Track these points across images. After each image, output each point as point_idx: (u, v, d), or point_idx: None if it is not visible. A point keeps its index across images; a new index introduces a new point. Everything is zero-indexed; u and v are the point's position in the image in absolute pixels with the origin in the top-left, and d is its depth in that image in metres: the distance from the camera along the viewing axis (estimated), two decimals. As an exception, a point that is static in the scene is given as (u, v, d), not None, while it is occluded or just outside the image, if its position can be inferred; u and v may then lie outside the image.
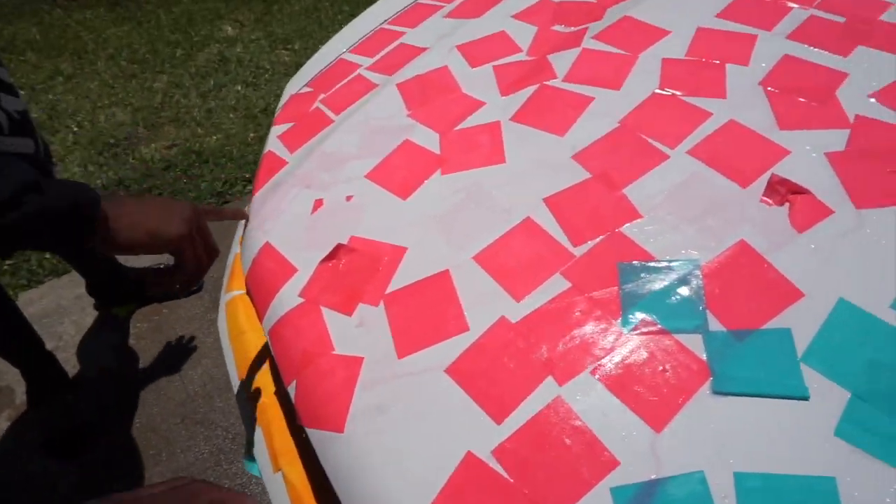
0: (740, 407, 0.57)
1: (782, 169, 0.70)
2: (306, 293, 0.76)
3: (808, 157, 0.71)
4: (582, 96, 0.84)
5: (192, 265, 0.69)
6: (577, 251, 0.69)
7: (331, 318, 0.73)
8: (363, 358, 0.68)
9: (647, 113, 0.80)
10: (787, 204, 0.67)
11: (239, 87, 3.17)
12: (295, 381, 0.71)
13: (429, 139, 0.87)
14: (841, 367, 0.58)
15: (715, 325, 0.62)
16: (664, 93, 0.82)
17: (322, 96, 1.03)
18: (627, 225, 0.70)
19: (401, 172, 0.84)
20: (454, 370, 0.65)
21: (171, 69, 3.41)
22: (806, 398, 0.56)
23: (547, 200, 0.75)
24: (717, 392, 0.58)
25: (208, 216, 0.73)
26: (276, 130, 1.02)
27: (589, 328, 0.64)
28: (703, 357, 0.60)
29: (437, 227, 0.76)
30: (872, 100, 0.75)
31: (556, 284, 0.68)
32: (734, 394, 0.57)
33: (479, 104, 0.89)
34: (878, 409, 0.55)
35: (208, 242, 0.72)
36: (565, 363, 0.62)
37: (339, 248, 0.77)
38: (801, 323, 0.60)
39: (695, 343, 0.61)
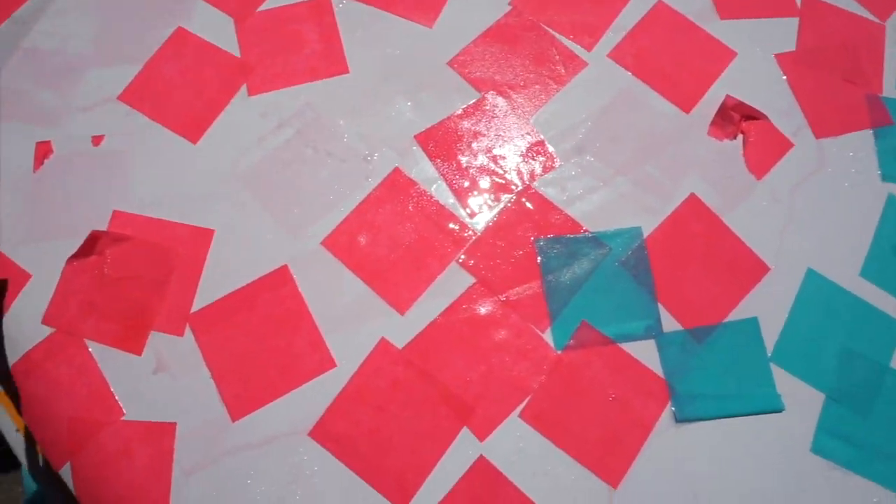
0: (707, 432, 0.45)
1: (729, 78, 0.52)
2: (54, 316, 0.47)
3: (756, 60, 0.53)
4: (450, -45, 0.56)
5: None
6: (476, 222, 0.48)
7: (106, 358, 0.46)
8: (175, 424, 0.44)
9: (546, -14, 0.55)
10: (740, 136, 0.51)
11: None
12: (69, 466, 0.45)
13: (216, 27, 0.54)
14: (814, 362, 0.47)
15: (670, 323, 0.47)
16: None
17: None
18: (541, 179, 0.49)
19: (179, 91, 0.52)
20: (322, 432, 0.43)
21: None
22: (781, 411, 0.45)
23: (420, 138, 0.50)
24: (680, 421, 0.44)
25: None
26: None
27: (509, 349, 0.45)
28: (660, 372, 0.45)
29: (257, 190, 0.49)
30: (818, -29, 0.58)
31: (454, 281, 0.47)
32: (701, 419, 0.45)
33: (292, -36, 0.57)
34: (851, 410, 0.46)
35: None
36: (484, 406, 0.44)
37: (95, 235, 0.47)
38: (768, 306, 0.48)
39: (647, 352, 0.46)
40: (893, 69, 0.55)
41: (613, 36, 0.53)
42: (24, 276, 0.48)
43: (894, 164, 0.52)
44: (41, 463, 0.53)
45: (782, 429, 0.45)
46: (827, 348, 0.47)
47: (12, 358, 0.46)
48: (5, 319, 0.47)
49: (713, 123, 0.51)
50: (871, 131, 0.52)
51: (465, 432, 0.44)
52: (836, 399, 0.46)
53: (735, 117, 0.50)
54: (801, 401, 0.46)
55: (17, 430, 0.54)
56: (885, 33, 0.56)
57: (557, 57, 0.52)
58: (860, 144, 0.52)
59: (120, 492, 0.44)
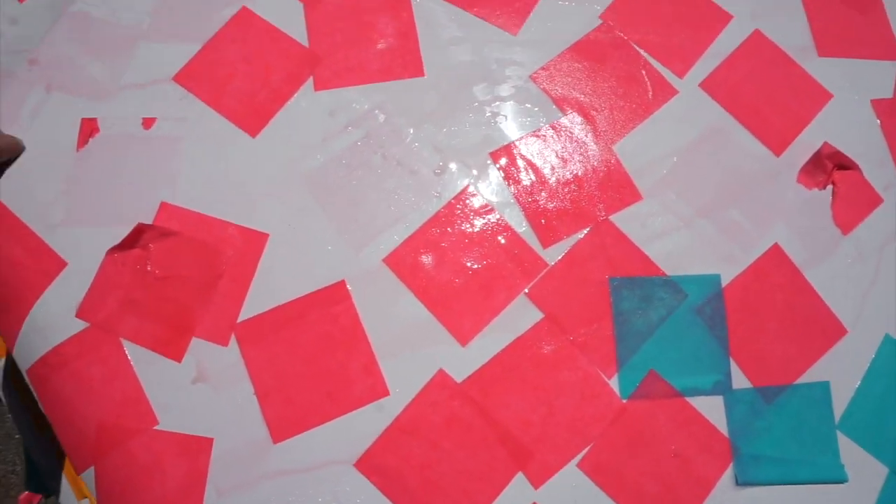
0: (766, 497, 0.43)
1: (823, 122, 0.49)
2: (90, 310, 0.43)
3: (853, 105, 0.50)
4: (540, -41, 0.52)
5: None
6: (549, 255, 0.45)
7: (143, 362, 0.43)
8: (212, 440, 0.41)
9: (638, 2, 0.51)
10: (829, 187, 0.48)
11: None
12: (93, 470, 0.42)
13: (285, 11, 0.49)
14: (880, 434, 0.45)
15: (739, 379, 0.44)
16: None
17: None
18: (620, 213, 0.46)
19: (240, 78, 0.48)
20: (369, 464, 0.41)
21: None
22: (844, 482, 0.43)
23: (495, 155, 0.47)
24: (741, 484, 0.42)
25: None
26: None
27: (573, 393, 0.43)
28: (724, 431, 0.43)
29: (318, 194, 0.45)
30: (921, 12, 0.55)
31: (521, 314, 0.44)
32: (762, 483, 0.43)
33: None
34: (914, 487, 0.44)
35: None
36: (542, 451, 0.42)
37: (140, 228, 0.44)
38: (840, 370, 0.45)
39: (714, 409, 0.44)
40: None
41: (707, 64, 0.50)
42: (60, 263, 0.44)
43: (983, 229, 0.49)
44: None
45: (842, 501, 0.43)
46: (895, 420, 0.46)
47: (41, 350, 0.43)
48: (36, 308, 0.44)
49: (804, 170, 0.48)
50: (961, 193, 0.50)
51: (519, 477, 0.41)
52: (899, 473, 0.44)
53: (828, 166, 0.47)
54: (865, 473, 0.44)
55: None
56: (983, 88, 0.53)
57: (647, 81, 0.49)
58: (950, 206, 0.49)
59: (147, 505, 0.41)
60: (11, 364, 0.54)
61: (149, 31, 0.49)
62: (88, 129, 0.47)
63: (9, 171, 0.46)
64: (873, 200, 0.48)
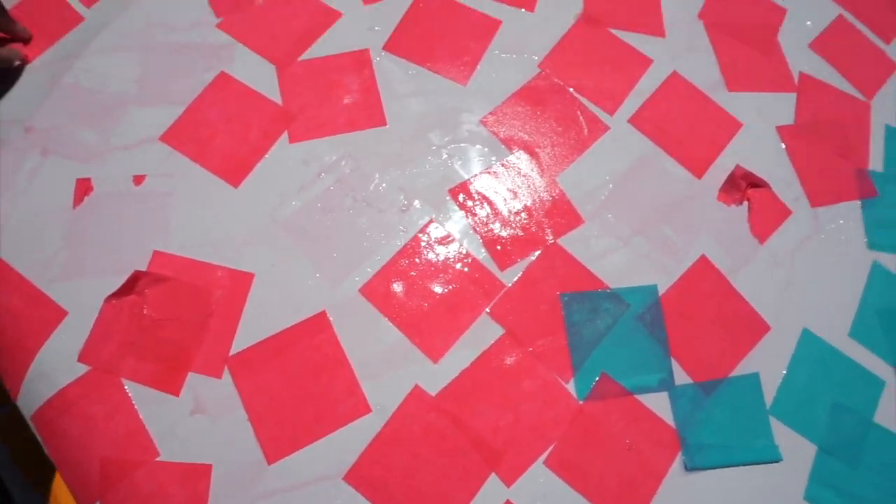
0: (713, 480, 0.48)
1: (736, 147, 0.57)
2: (91, 354, 0.47)
3: (760, 132, 0.58)
4: (484, 17, 0.59)
5: None
6: (506, 275, 0.51)
7: (143, 398, 0.46)
8: (210, 466, 0.45)
9: (571, 52, 0.58)
10: (745, 203, 0.55)
11: None
12: (97, 505, 0.46)
13: (259, 74, 0.55)
14: (807, 416, 0.51)
15: (681, 376, 0.50)
16: (590, 24, 0.60)
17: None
18: (566, 236, 0.52)
19: (221, 135, 0.53)
20: (357, 476, 0.45)
21: None
22: (778, 461, 0.49)
23: (454, 192, 0.53)
24: (690, 469, 0.48)
25: None
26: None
27: (535, 399, 0.48)
28: (672, 423, 0.49)
29: (297, 236, 0.50)
30: (812, 52, 0.63)
31: (484, 331, 0.49)
32: (708, 468, 0.48)
33: (333, 15, 0.58)
34: (842, 461, 0.50)
35: None
36: (511, 453, 0.47)
37: (136, 276, 0.48)
38: (768, 362, 0.51)
39: (661, 404, 0.49)
40: (878, 144, 0.60)
41: (633, 102, 0.57)
42: (61, 313, 0.48)
43: (879, 233, 0.57)
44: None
45: (779, 478, 0.49)
46: (819, 403, 0.52)
47: (46, 394, 0.47)
48: (39, 356, 0.47)
49: (722, 190, 0.55)
50: (858, 202, 0.57)
51: (493, 478, 0.46)
52: (826, 451, 0.50)
53: (742, 185, 0.55)
54: (796, 452, 0.50)
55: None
56: (870, 111, 0.61)
57: (582, 120, 0.56)
58: (849, 214, 0.57)
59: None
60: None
61: (135, 97, 0.54)
62: (83, 188, 0.51)
63: (9, 230, 0.50)
64: (783, 212, 0.55)
